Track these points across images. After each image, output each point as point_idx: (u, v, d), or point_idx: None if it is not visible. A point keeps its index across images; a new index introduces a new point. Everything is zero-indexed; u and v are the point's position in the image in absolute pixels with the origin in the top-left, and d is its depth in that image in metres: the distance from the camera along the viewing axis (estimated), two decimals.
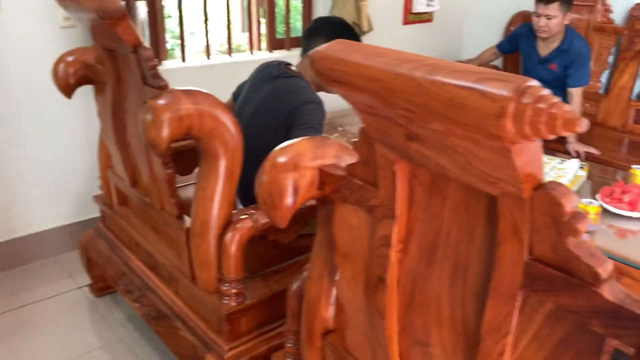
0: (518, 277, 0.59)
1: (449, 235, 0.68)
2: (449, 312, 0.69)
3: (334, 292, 0.93)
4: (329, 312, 0.95)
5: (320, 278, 0.94)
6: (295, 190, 0.84)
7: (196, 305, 1.38)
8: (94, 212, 2.09)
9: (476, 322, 0.66)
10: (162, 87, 1.25)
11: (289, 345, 1.08)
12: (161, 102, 1.13)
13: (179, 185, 1.41)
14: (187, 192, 1.46)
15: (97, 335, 1.73)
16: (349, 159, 0.87)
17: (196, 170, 1.86)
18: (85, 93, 1.69)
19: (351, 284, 0.83)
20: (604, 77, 2.74)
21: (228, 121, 1.20)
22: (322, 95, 1.54)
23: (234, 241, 1.23)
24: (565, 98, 2.41)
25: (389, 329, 0.78)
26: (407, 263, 0.74)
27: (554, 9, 2.32)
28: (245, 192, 1.43)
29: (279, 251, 1.50)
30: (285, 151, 0.85)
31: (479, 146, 0.53)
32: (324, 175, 0.83)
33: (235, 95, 1.77)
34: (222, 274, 1.27)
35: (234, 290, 1.26)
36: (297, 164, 0.84)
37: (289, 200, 0.83)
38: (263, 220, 1.27)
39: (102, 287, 1.91)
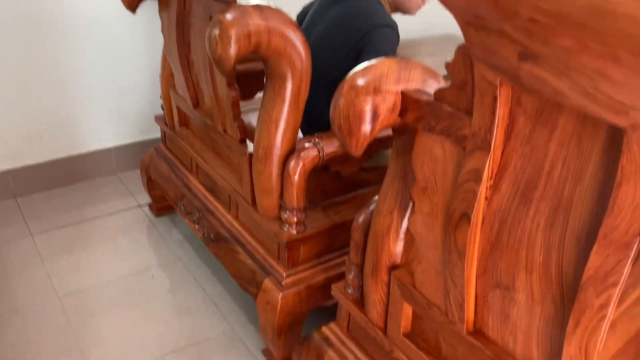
0: (637, 223, 0.52)
1: (552, 173, 0.60)
2: (542, 257, 0.63)
3: (405, 226, 0.88)
4: (398, 247, 0.90)
5: (391, 212, 0.88)
6: (375, 116, 0.77)
7: (256, 230, 1.36)
8: (155, 132, 2.10)
9: (575, 269, 0.60)
10: (230, 1, 1.18)
11: (350, 277, 1.05)
12: (229, 16, 1.07)
13: (242, 110, 1.37)
14: (248, 118, 1.42)
15: (156, 253, 1.77)
16: (435, 84, 0.79)
17: (258, 95, 1.83)
18: (150, 8, 1.63)
19: (428, 219, 0.77)
20: None
21: (298, 41, 1.13)
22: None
23: (297, 169, 1.19)
24: None
25: (468, 269, 0.72)
26: (496, 201, 0.67)
27: None
28: (308, 119, 1.37)
29: (340, 183, 1.45)
30: (366, 72, 0.78)
31: (618, 66, 0.44)
32: (408, 101, 0.75)
33: (300, 17, 1.68)
34: (283, 202, 1.24)
35: (295, 219, 1.23)
36: (379, 87, 0.77)
37: (367, 127, 0.77)
38: (328, 149, 1.22)
39: (161, 207, 1.93)
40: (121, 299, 1.57)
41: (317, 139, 1.23)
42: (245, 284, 1.36)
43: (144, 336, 1.45)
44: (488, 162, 0.65)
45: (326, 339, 1.12)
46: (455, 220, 0.71)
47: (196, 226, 1.58)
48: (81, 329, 1.46)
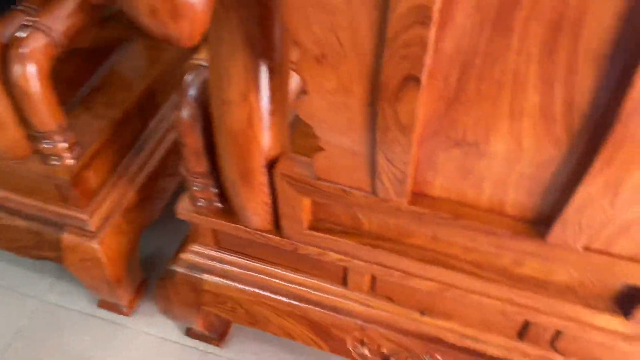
0: None
1: None
2: (538, 96, 0.45)
3: (266, 110, 0.61)
4: (267, 139, 0.64)
5: (245, 98, 0.59)
6: None
7: (4, 179, 0.91)
8: None
9: (596, 99, 0.44)
10: None
11: (197, 189, 0.77)
12: None
13: None
14: None
15: None
16: None
17: None
18: None
19: (334, 97, 0.51)
20: None
21: None
22: None
23: (29, 75, 0.74)
24: None
25: (415, 141, 0.52)
26: (449, 42, 0.44)
27: None
28: None
29: (82, 58, 1.01)
30: None
31: None
32: None
33: None
34: (31, 129, 0.80)
35: (63, 145, 0.82)
36: None
37: None
38: (59, 25, 0.77)
39: None
40: None
41: (30, 16, 0.76)
42: (34, 251, 0.96)
43: None
44: None
45: (195, 266, 0.87)
46: (394, 89, 0.47)
47: None
48: None
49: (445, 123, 0.50)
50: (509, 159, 0.52)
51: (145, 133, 1.03)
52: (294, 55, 0.49)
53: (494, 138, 0.50)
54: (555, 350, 0.75)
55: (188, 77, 0.69)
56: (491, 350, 0.77)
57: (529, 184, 0.54)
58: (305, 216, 0.72)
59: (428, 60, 0.44)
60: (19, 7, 0.81)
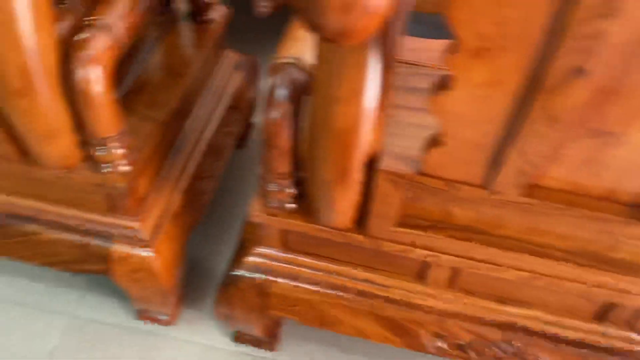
0: None
1: None
2: None
3: (373, 110, 0.59)
4: (369, 137, 0.62)
5: (356, 94, 0.58)
6: None
7: (47, 191, 0.85)
8: None
9: None
10: None
11: (274, 189, 0.74)
12: None
13: None
14: None
15: None
16: None
17: None
18: None
19: (481, 90, 0.50)
20: None
21: None
22: None
23: (93, 77, 0.69)
24: None
25: (561, 132, 0.52)
26: (622, 35, 0.44)
27: None
28: None
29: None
30: None
31: None
32: None
33: None
34: (86, 135, 0.75)
35: (119, 151, 0.78)
36: None
37: None
38: (121, 22, 0.72)
39: None
40: None
41: (86, 16, 0.71)
42: (78, 265, 0.90)
43: None
44: None
45: (261, 269, 0.84)
46: (557, 82, 0.46)
47: None
48: None
49: (591, 114, 0.50)
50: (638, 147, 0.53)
51: (182, 134, 0.99)
52: (449, 50, 0.48)
53: (635, 128, 0.51)
54: (634, 329, 0.78)
55: (276, 78, 0.66)
56: (570, 334, 0.79)
57: None
58: (395, 213, 0.71)
59: (603, 52, 0.44)
60: (64, 5, 0.76)
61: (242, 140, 1.29)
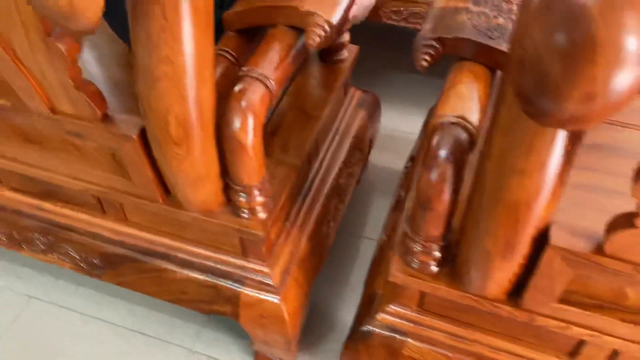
0: None
1: None
2: None
3: (553, 182, 0.54)
4: (544, 211, 0.57)
5: (543, 167, 0.53)
6: None
7: (184, 231, 0.86)
8: None
9: None
10: None
11: (419, 250, 0.70)
12: None
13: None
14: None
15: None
16: None
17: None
18: None
19: None
20: None
21: None
22: None
23: (249, 129, 0.69)
24: None
25: None
26: None
27: None
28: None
29: None
30: None
31: None
32: None
33: None
34: (232, 181, 0.75)
35: (260, 199, 0.77)
36: None
37: None
38: (272, 71, 0.71)
39: None
40: None
41: (241, 66, 0.71)
42: (205, 305, 0.90)
43: None
44: None
45: (394, 328, 0.80)
46: None
47: (53, 255, 0.97)
48: None
49: None
50: None
51: (310, 176, 0.97)
52: None
53: None
54: None
55: (437, 137, 0.62)
56: None
57: None
58: (559, 289, 0.64)
59: None
60: (218, 51, 0.76)
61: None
